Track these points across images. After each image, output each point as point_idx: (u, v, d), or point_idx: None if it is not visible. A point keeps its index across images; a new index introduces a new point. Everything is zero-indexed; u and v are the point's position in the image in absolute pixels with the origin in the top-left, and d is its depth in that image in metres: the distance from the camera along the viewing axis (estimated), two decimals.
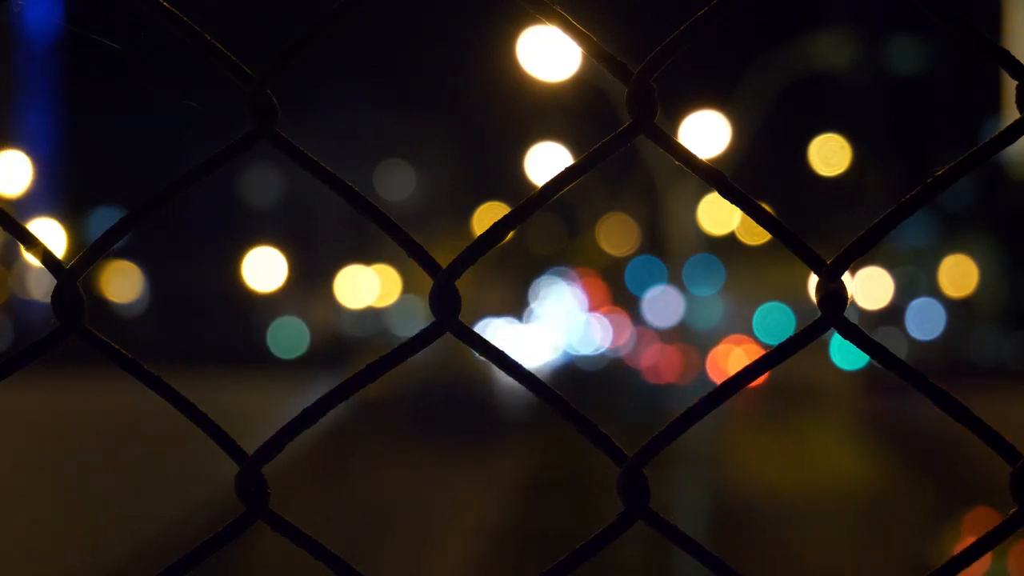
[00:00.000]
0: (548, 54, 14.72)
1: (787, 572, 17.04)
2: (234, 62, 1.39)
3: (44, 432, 29.01)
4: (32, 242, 1.42)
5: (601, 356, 56.68)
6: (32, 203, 45.86)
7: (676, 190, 18.44)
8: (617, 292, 59.58)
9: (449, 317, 1.38)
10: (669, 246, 19.27)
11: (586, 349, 59.21)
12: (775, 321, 51.79)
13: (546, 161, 21.50)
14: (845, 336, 1.39)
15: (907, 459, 26.87)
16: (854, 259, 1.39)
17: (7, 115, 56.02)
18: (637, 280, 55.58)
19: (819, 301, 1.38)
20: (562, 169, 1.39)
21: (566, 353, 57.77)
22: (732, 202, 1.38)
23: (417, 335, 1.39)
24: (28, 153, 45.50)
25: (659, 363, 41.04)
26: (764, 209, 1.38)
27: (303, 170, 1.40)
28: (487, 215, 50.35)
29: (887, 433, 31.48)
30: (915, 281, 57.31)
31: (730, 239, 39.73)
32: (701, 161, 1.38)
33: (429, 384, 40.03)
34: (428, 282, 1.39)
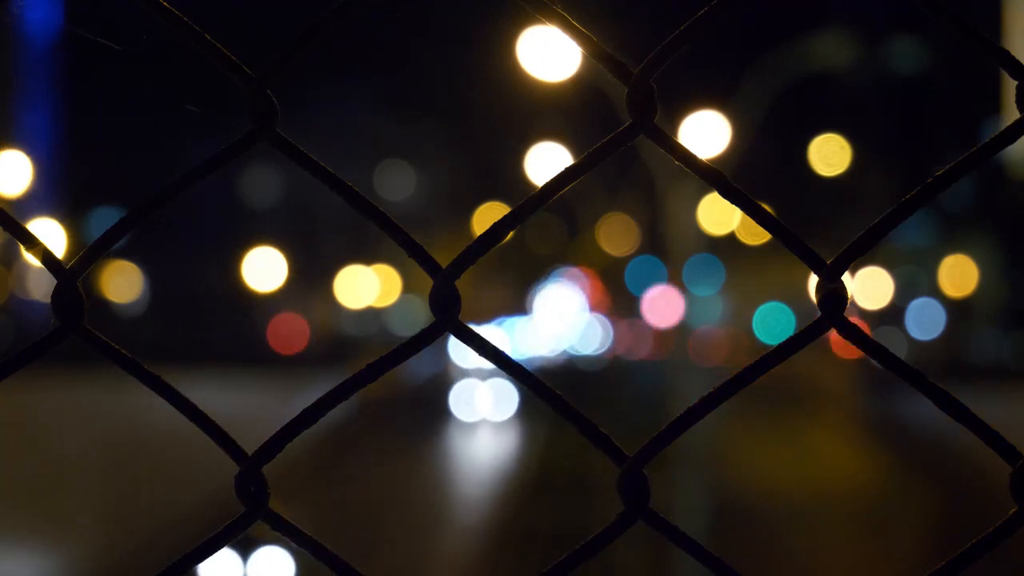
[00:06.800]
0: (548, 54, 14.71)
1: (787, 572, 17.04)
2: (234, 62, 1.39)
3: (44, 432, 29.00)
4: (32, 242, 1.42)
5: (601, 357, 56.77)
6: (32, 203, 45.86)
7: (676, 190, 18.43)
8: (617, 292, 59.60)
9: (449, 317, 1.38)
10: (669, 246, 19.27)
11: (586, 349, 59.25)
12: (775, 321, 51.83)
13: (546, 161, 21.50)
14: (845, 336, 1.39)
15: (907, 459, 26.87)
16: (854, 259, 1.39)
17: (7, 115, 56.02)
18: (637, 280, 55.58)
19: (819, 301, 1.38)
20: (562, 169, 1.39)
21: (566, 353, 57.80)
22: (732, 202, 1.38)
23: (417, 335, 1.39)
24: (28, 153, 45.49)
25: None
26: (764, 209, 1.38)
27: (303, 170, 1.40)
28: (487, 215, 50.34)
29: (887, 433, 31.47)
30: (915, 281, 57.32)
31: (730, 239, 39.72)
32: (701, 161, 1.38)
33: (428, 384, 40.08)
34: (428, 282, 1.39)
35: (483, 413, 31.15)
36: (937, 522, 19.45)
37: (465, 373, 39.69)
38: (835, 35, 22.58)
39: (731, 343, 50.37)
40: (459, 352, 42.27)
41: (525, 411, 31.26)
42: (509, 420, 30.59)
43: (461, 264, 1.39)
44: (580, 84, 16.72)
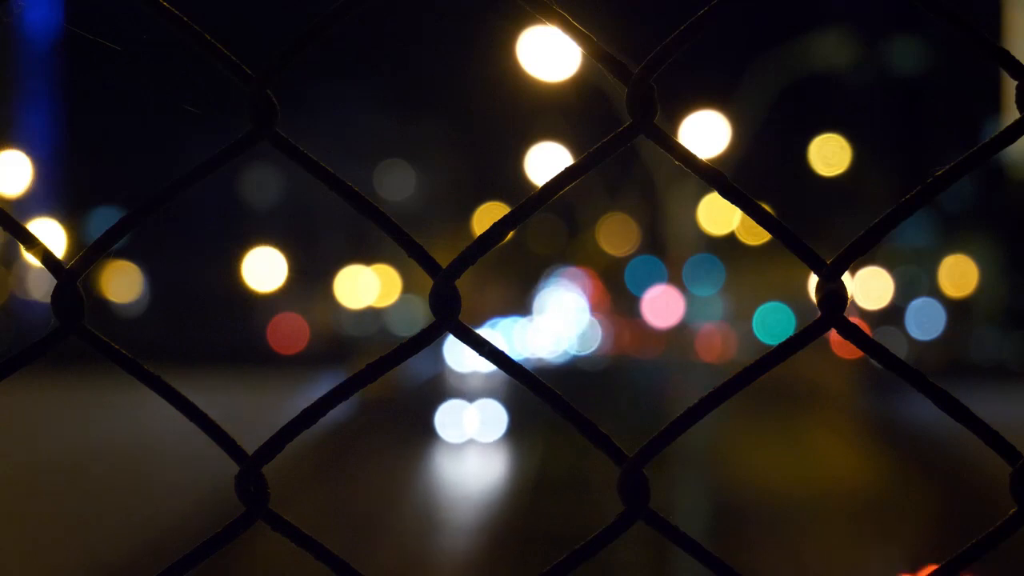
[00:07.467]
0: (548, 54, 14.71)
1: (787, 572, 17.04)
2: (234, 62, 1.39)
3: (43, 432, 29.00)
4: (32, 242, 1.42)
5: (600, 357, 56.79)
6: (32, 203, 45.86)
7: (676, 190, 18.43)
8: (617, 292, 59.63)
9: (449, 317, 1.38)
10: (669, 246, 19.26)
11: (586, 349, 59.27)
12: (775, 321, 51.82)
13: (546, 161, 21.48)
14: (845, 336, 1.39)
15: (907, 459, 26.87)
16: (854, 259, 1.39)
17: (7, 115, 56.02)
18: (637, 280, 55.60)
19: (819, 301, 1.38)
20: (562, 169, 1.38)
21: (566, 353, 57.82)
22: (732, 202, 1.38)
23: (417, 335, 1.39)
24: (28, 153, 45.48)
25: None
26: (764, 209, 1.38)
27: (303, 170, 1.40)
28: (487, 215, 50.35)
29: (887, 433, 31.47)
30: (915, 281, 57.33)
31: (730, 239, 39.73)
32: (701, 161, 1.38)
33: (429, 384, 40.08)
34: (428, 282, 1.39)
35: (471, 434, 31.12)
36: (937, 522, 19.45)
37: (460, 377, 39.67)
38: (835, 35, 22.56)
39: (731, 343, 50.47)
40: (455, 355, 42.30)
41: (513, 432, 31.27)
42: (497, 441, 30.62)
43: (461, 264, 1.39)
44: (580, 84, 16.71)
